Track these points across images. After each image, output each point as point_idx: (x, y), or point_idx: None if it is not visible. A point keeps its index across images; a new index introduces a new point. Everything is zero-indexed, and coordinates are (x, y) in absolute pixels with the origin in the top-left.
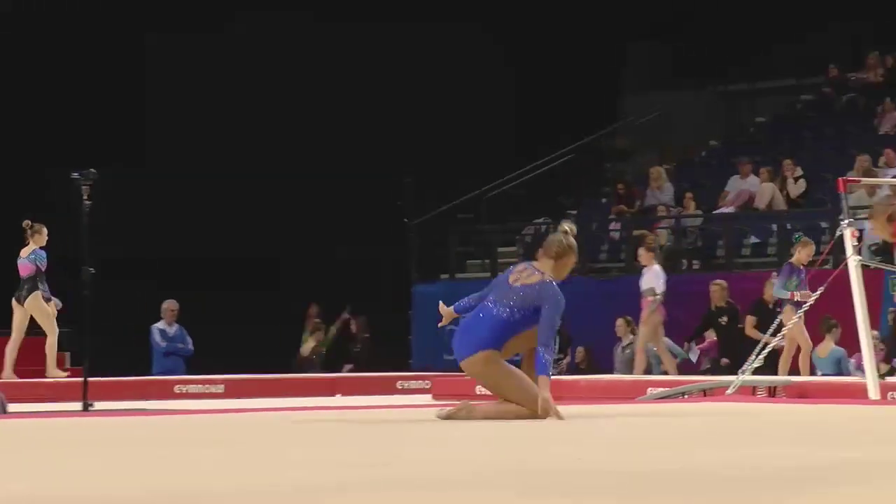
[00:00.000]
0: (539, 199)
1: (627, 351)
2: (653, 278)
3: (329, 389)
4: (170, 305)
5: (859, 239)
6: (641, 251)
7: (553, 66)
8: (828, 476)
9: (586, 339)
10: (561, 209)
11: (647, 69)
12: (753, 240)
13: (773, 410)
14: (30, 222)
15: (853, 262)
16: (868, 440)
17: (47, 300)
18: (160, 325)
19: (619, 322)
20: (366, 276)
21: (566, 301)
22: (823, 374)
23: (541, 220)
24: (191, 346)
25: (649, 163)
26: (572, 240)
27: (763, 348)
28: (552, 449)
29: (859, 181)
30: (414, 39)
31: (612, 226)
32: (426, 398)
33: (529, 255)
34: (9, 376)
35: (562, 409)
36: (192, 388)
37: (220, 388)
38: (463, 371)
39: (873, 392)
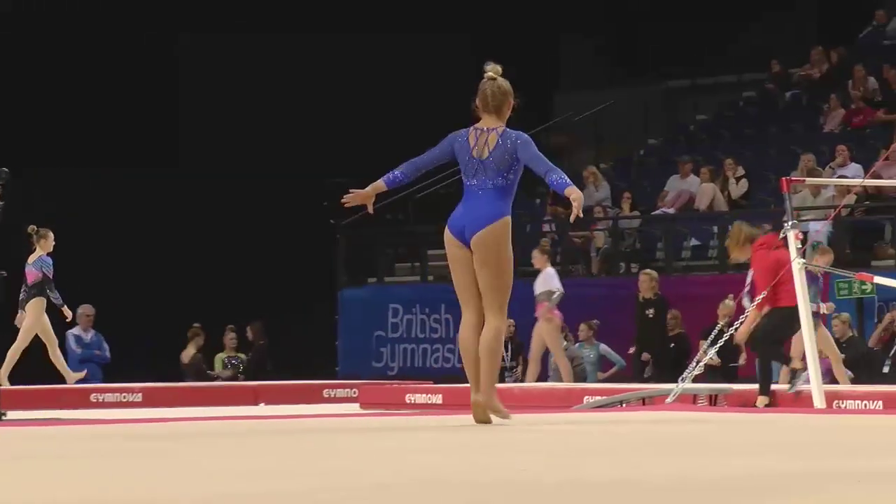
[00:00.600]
0: None
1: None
2: (548, 281)
3: (252, 398)
4: (85, 311)
5: (804, 241)
6: (536, 254)
7: (483, 61)
8: (771, 486)
9: (524, 345)
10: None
11: (583, 65)
12: (694, 242)
13: (714, 420)
14: (35, 228)
15: (797, 266)
16: (810, 450)
17: (59, 307)
18: (76, 330)
19: (582, 328)
20: (289, 280)
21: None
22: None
23: None
24: (108, 354)
25: (585, 162)
26: (503, 81)
27: (703, 356)
28: (494, 459)
29: (804, 181)
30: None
31: (546, 227)
32: (354, 407)
33: None
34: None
35: (497, 418)
36: (109, 397)
37: (138, 397)
38: (477, 245)
39: (818, 401)
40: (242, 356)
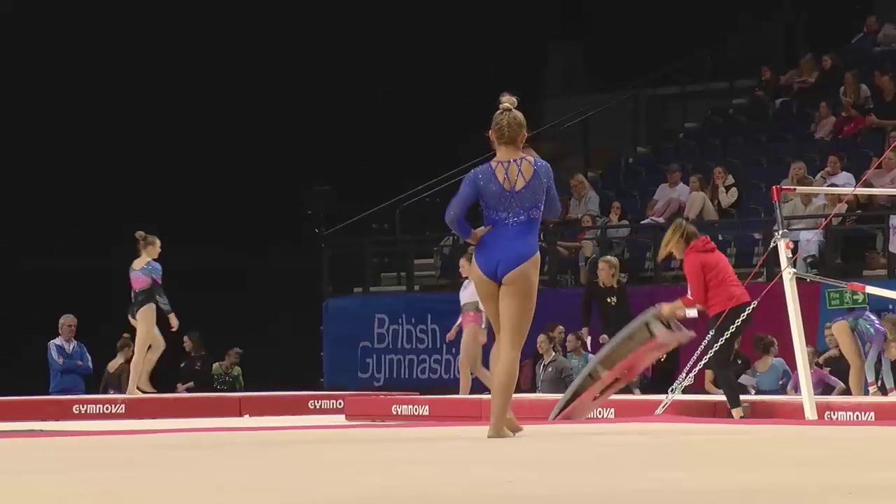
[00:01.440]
0: None
1: (550, 369)
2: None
3: (236, 410)
4: (67, 321)
5: (794, 250)
6: (463, 262)
7: (471, 69)
8: (766, 499)
9: None
10: (480, 218)
11: (571, 72)
12: None
13: (704, 431)
14: (143, 233)
15: (788, 275)
16: (802, 462)
17: (167, 313)
18: (58, 340)
19: (541, 338)
20: (274, 289)
21: None
22: (759, 392)
23: None
24: (90, 364)
25: (573, 170)
26: (517, 113)
27: (694, 366)
28: (481, 471)
29: (794, 189)
30: (329, 43)
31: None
32: (339, 418)
33: (447, 267)
34: (131, 392)
35: (482, 428)
36: (92, 409)
37: (122, 409)
38: (510, 280)
39: (809, 412)
40: (238, 370)
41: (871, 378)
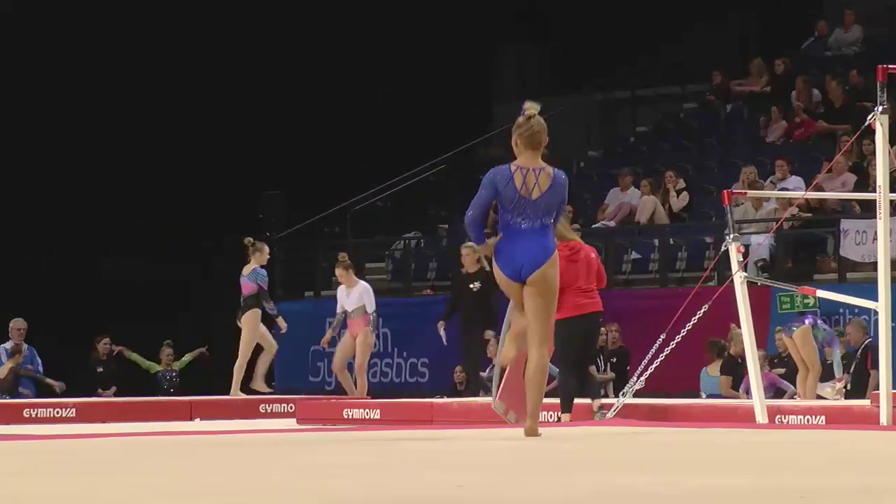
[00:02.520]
0: (409, 213)
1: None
2: (364, 296)
3: (187, 413)
4: (17, 324)
5: (745, 255)
6: (339, 271)
7: (423, 73)
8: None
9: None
10: (432, 222)
11: (522, 75)
12: (634, 255)
13: (657, 435)
14: (251, 240)
15: (739, 279)
16: (753, 466)
17: (275, 317)
18: (7, 345)
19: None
20: (225, 294)
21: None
22: (710, 396)
23: (411, 234)
24: (41, 368)
25: None
26: (541, 119)
27: (645, 369)
28: (430, 475)
29: (745, 194)
30: (277, 49)
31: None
32: (290, 422)
33: (399, 271)
34: (234, 393)
35: (437, 432)
36: (42, 413)
37: (72, 413)
38: (536, 280)
39: (760, 415)
40: (178, 366)
41: (839, 374)
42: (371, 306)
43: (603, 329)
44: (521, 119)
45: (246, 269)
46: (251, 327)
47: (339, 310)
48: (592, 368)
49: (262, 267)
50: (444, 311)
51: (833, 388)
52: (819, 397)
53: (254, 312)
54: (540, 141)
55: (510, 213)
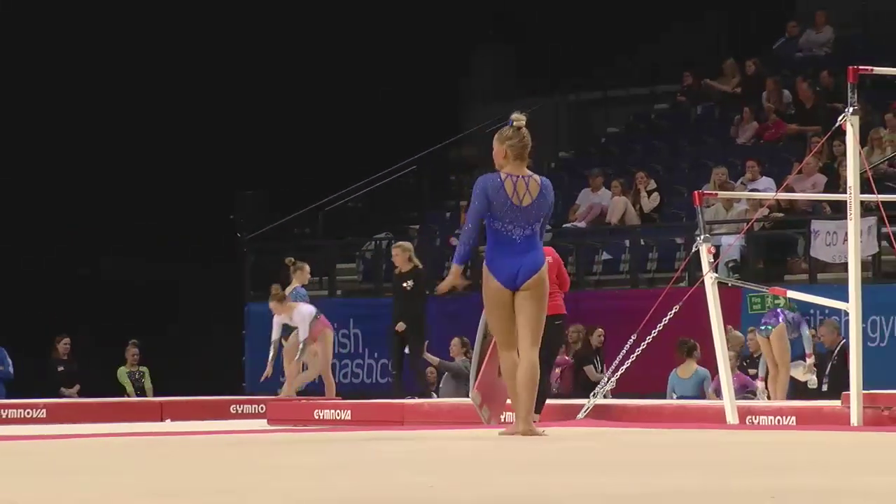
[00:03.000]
0: (380, 213)
1: (446, 374)
2: (298, 318)
3: (158, 414)
4: None
5: (716, 255)
6: (273, 304)
7: (394, 75)
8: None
9: None
10: (402, 223)
11: (493, 76)
12: (605, 256)
13: (627, 435)
14: (293, 259)
15: (709, 280)
16: (724, 467)
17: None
18: None
19: (455, 342)
20: (196, 294)
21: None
22: (681, 397)
23: (382, 235)
24: (11, 369)
25: None
26: (527, 130)
27: (616, 370)
28: (401, 476)
29: (716, 195)
30: (250, 50)
31: (454, 240)
32: (261, 423)
33: (370, 272)
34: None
35: (408, 433)
36: (13, 413)
37: (43, 413)
38: (531, 286)
39: (731, 416)
40: (145, 369)
41: (808, 350)
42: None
43: (601, 329)
44: (509, 130)
45: (288, 289)
46: (327, 342)
47: (273, 336)
48: (591, 368)
49: (302, 286)
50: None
51: (804, 366)
52: (791, 397)
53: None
54: (529, 152)
55: (500, 220)
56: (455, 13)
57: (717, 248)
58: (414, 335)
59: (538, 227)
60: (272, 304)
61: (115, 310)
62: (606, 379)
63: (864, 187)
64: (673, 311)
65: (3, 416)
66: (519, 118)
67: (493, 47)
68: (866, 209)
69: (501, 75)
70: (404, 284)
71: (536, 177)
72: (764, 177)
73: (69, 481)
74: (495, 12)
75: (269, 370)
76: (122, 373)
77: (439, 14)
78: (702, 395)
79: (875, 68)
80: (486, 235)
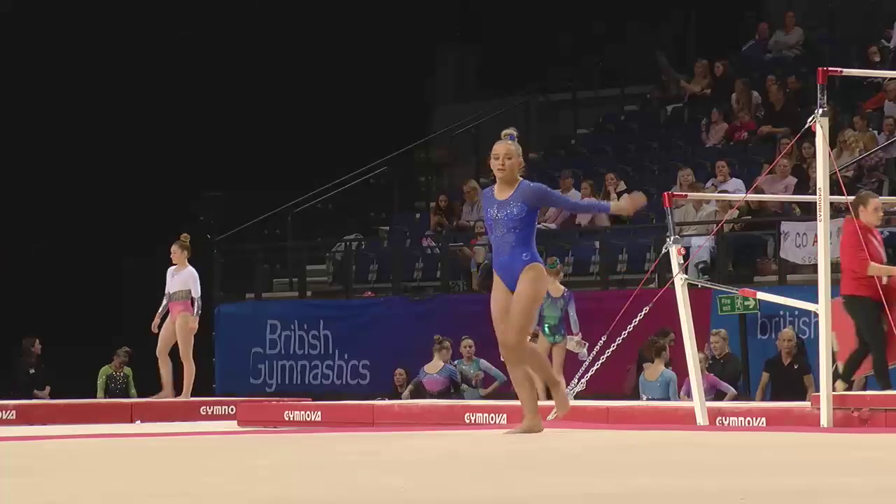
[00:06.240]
0: (349, 214)
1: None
2: (189, 280)
3: (128, 415)
4: None
5: (686, 257)
6: (175, 248)
7: (361, 76)
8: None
9: (405, 361)
10: (372, 224)
11: (462, 77)
12: (575, 257)
13: (598, 437)
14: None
15: (679, 281)
16: (694, 468)
17: None
18: None
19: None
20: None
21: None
22: (650, 399)
23: (352, 236)
24: None
25: (465, 176)
26: (517, 144)
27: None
28: (371, 477)
29: (685, 196)
30: (216, 48)
31: (427, 241)
32: (231, 424)
33: (339, 273)
34: None
35: (377, 435)
36: None
37: (12, 415)
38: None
39: (701, 417)
40: (129, 370)
41: (575, 329)
42: (196, 292)
43: None
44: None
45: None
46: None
47: (168, 289)
48: None
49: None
50: (385, 313)
51: (575, 340)
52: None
53: None
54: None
55: (490, 229)
56: (421, 13)
57: (687, 249)
58: None
59: (520, 233)
60: (174, 249)
61: (84, 311)
62: (577, 380)
63: (834, 189)
64: (643, 313)
65: None
66: (508, 134)
67: (460, 48)
68: (836, 210)
69: (468, 77)
70: None
71: (511, 189)
72: (734, 178)
73: (32, 483)
74: (461, 13)
75: (156, 321)
76: (104, 373)
77: (406, 14)
78: (667, 398)
79: (844, 70)
80: (532, 234)
